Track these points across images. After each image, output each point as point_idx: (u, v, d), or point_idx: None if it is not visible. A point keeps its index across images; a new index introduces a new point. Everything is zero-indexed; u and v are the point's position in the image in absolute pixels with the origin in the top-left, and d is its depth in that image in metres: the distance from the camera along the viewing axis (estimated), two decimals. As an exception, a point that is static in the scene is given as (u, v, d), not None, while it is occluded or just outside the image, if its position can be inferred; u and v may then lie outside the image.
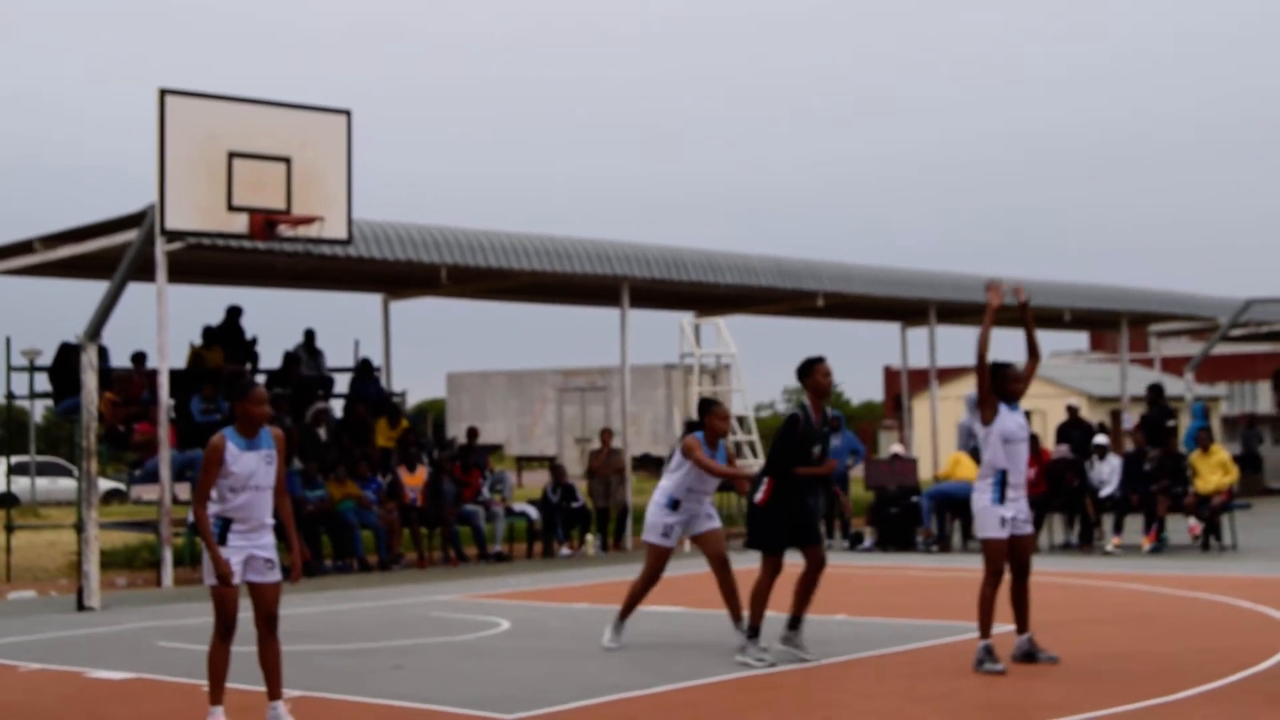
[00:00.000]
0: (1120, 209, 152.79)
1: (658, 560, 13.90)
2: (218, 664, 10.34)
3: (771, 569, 13.14)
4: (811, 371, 13.23)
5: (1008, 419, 12.85)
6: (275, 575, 10.38)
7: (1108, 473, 24.88)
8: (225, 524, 10.31)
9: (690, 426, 14.31)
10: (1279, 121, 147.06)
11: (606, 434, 28.33)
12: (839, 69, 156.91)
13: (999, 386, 12.90)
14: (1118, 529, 24.32)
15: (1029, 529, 13.03)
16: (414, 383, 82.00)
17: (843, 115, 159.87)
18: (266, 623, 10.33)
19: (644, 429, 44.57)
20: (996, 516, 12.72)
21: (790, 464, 13.07)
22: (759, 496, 13.20)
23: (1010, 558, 12.76)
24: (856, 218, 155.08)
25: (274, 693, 10.41)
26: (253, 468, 10.29)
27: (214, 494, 10.28)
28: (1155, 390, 30.47)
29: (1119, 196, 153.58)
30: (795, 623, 13.32)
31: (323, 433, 25.74)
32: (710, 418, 13.81)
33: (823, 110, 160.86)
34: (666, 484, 13.95)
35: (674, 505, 13.80)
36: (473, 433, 27.41)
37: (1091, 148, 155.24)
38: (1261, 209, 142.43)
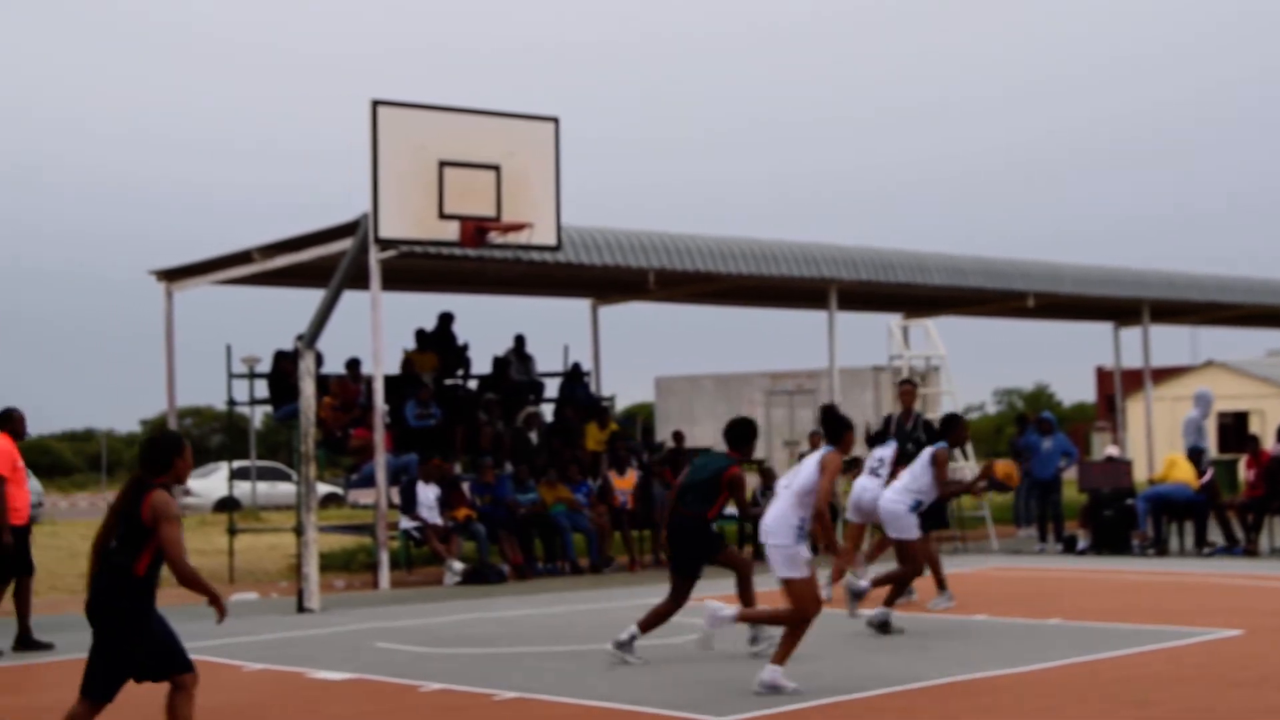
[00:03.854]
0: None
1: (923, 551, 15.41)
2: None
3: None
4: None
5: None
6: None
7: (1332, 474, 24.27)
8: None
9: (933, 434, 15.33)
10: None
11: (815, 437, 28.20)
12: (1043, 45, 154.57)
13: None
14: (1343, 532, 23.71)
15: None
16: (623, 387, 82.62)
17: (1053, 91, 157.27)
18: None
19: (852, 431, 44.33)
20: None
21: None
22: None
23: None
24: (1061, 203, 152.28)
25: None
26: None
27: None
28: None
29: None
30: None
31: (534, 436, 26.02)
32: (959, 430, 15.66)
33: (1027, 88, 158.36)
34: (911, 486, 15.39)
35: (917, 507, 15.22)
36: (679, 436, 27.51)
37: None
38: None
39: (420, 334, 27.51)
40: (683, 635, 15.38)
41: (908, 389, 18.76)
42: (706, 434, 49.73)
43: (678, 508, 13.69)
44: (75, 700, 8.84)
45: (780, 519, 11.99)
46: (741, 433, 13.61)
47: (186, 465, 8.82)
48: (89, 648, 8.84)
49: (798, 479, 12.00)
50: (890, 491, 15.95)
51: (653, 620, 13.80)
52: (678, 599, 13.84)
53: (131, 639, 8.62)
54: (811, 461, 12.06)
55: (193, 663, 8.84)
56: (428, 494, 22.63)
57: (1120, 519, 24.99)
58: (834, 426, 12.42)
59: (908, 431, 18.40)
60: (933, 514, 17.62)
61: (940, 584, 17.49)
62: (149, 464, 8.76)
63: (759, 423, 47.83)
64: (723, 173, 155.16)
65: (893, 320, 31.06)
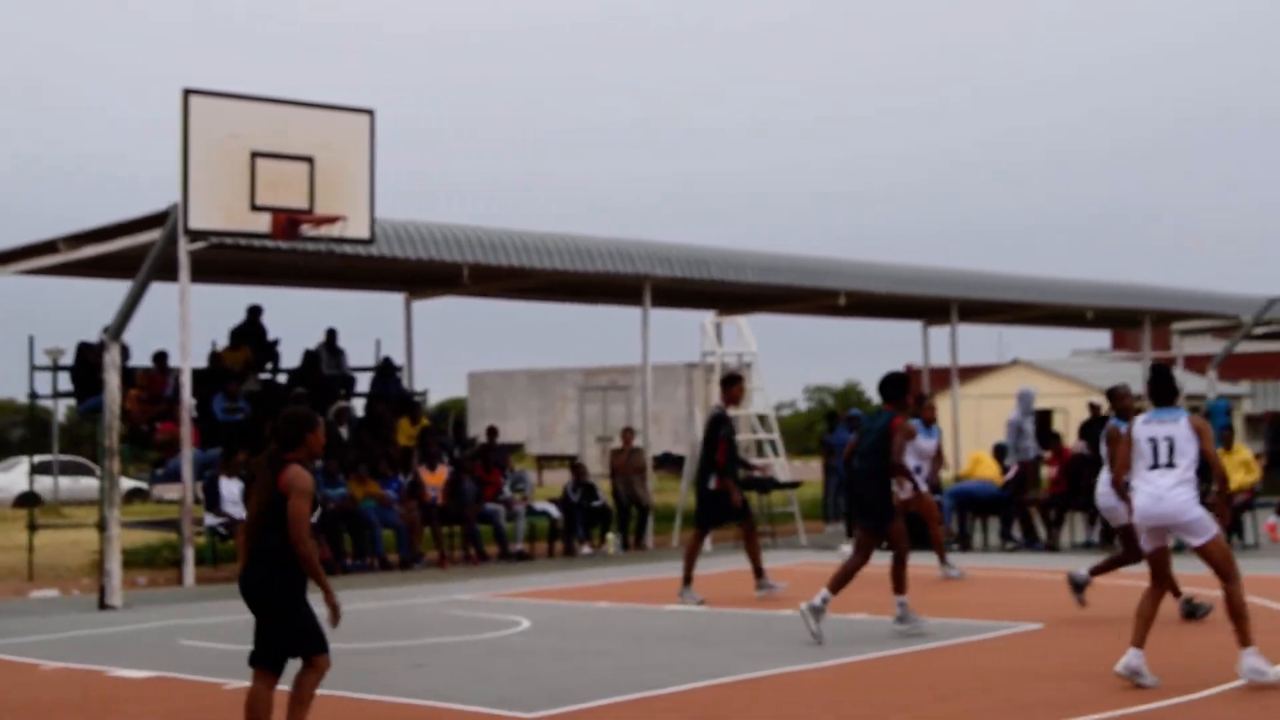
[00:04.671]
0: (1142, 205, 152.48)
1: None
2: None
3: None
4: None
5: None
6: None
7: (1130, 471, 24.78)
8: None
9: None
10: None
11: (628, 433, 28.34)
12: (857, 71, 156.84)
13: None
14: (1140, 528, 24.21)
15: None
16: (435, 382, 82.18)
17: (862, 116, 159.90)
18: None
19: (665, 428, 44.43)
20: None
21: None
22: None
23: None
24: (876, 216, 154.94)
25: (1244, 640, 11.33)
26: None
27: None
28: None
29: (1141, 192, 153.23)
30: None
31: (344, 431, 25.78)
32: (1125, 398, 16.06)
33: (842, 111, 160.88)
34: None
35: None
36: (492, 431, 27.44)
37: (1110, 144, 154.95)
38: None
39: (235, 330, 27.20)
40: (496, 631, 15.35)
41: (740, 386, 18.92)
42: (520, 429, 49.66)
43: (854, 469, 15.03)
44: (253, 676, 9.03)
45: (1184, 488, 11.59)
46: (893, 386, 14.89)
47: (318, 440, 9.02)
48: (255, 624, 8.97)
49: (1187, 451, 11.58)
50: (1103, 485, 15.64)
51: (842, 579, 14.65)
52: (865, 555, 14.81)
53: (287, 611, 8.85)
54: (1186, 429, 11.59)
55: (328, 646, 9.02)
56: (230, 489, 22.35)
57: (926, 515, 25.33)
58: (1165, 386, 11.98)
59: (734, 427, 18.71)
60: (724, 506, 17.95)
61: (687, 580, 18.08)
62: (283, 440, 8.96)
63: (573, 419, 47.40)
64: (545, 169, 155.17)
65: (706, 317, 31.21)
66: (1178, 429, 11.58)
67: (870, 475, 14.76)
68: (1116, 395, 16.12)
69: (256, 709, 9.00)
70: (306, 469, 8.90)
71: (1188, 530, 11.50)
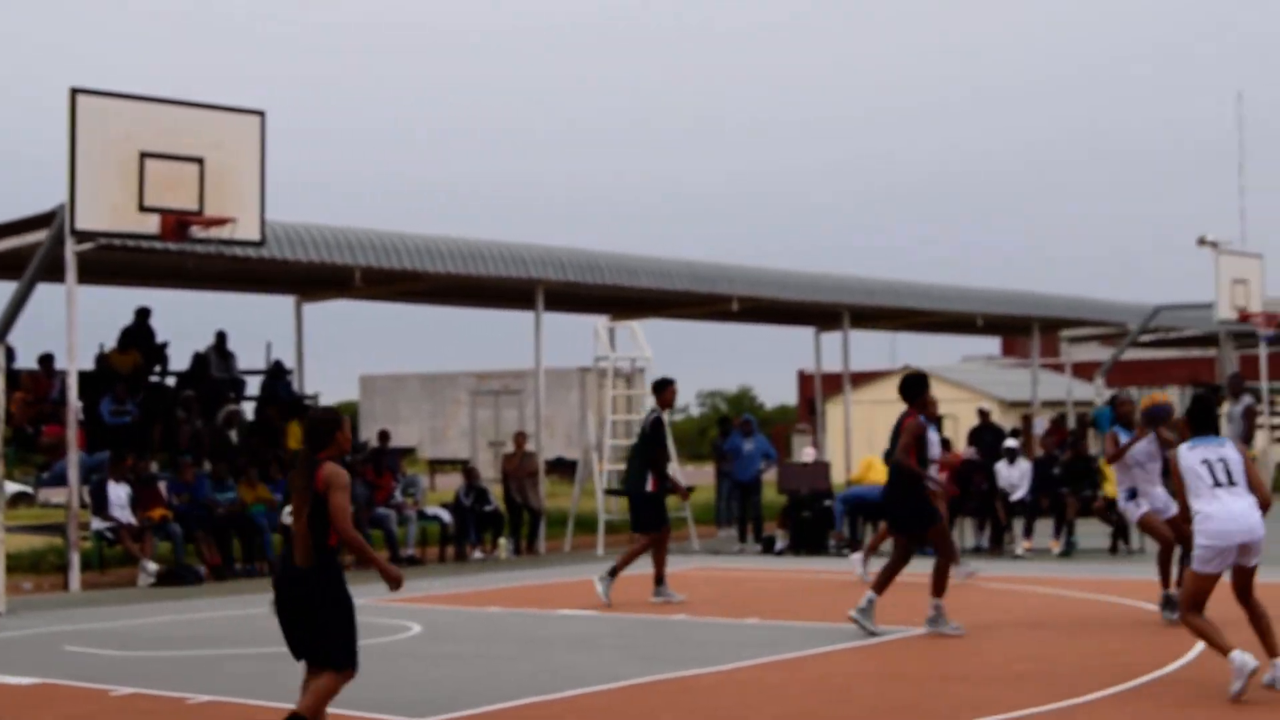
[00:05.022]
0: (1035, 219, 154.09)
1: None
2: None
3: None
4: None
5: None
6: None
7: (1018, 476, 25.04)
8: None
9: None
10: (1190, 139, 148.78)
11: (520, 437, 28.27)
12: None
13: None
14: (1028, 532, 24.49)
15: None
16: (327, 385, 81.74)
17: (756, 127, 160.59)
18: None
19: (558, 432, 44.45)
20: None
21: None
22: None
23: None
24: (770, 225, 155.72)
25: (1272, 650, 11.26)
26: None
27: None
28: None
29: (1034, 206, 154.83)
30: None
31: (234, 435, 25.56)
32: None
33: (735, 122, 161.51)
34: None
35: (1133, 495, 15.49)
36: (384, 435, 27.29)
37: (1002, 164, 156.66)
38: (1170, 217, 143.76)
39: (125, 331, 26.88)
40: (387, 636, 15.25)
41: (672, 390, 19.15)
42: (412, 433, 49.50)
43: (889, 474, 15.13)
44: (323, 675, 9.00)
45: (1254, 507, 11.42)
46: (909, 388, 15.09)
47: (346, 438, 9.20)
48: (314, 625, 8.93)
49: (1240, 475, 11.47)
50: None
51: (884, 580, 14.84)
52: (906, 555, 14.95)
53: (331, 604, 8.96)
54: (1235, 452, 11.54)
55: (357, 662, 9.07)
56: (118, 493, 22.08)
57: (818, 519, 25.49)
58: (1209, 417, 11.99)
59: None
60: (657, 512, 18.06)
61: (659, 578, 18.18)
62: (313, 441, 9.15)
63: (465, 423, 47.14)
64: (438, 172, 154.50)
65: (599, 321, 31.20)
66: (1227, 451, 11.61)
67: (895, 481, 14.98)
68: (1119, 402, 16.39)
69: (323, 698, 9.06)
70: (340, 465, 9.05)
71: (1255, 550, 11.40)
